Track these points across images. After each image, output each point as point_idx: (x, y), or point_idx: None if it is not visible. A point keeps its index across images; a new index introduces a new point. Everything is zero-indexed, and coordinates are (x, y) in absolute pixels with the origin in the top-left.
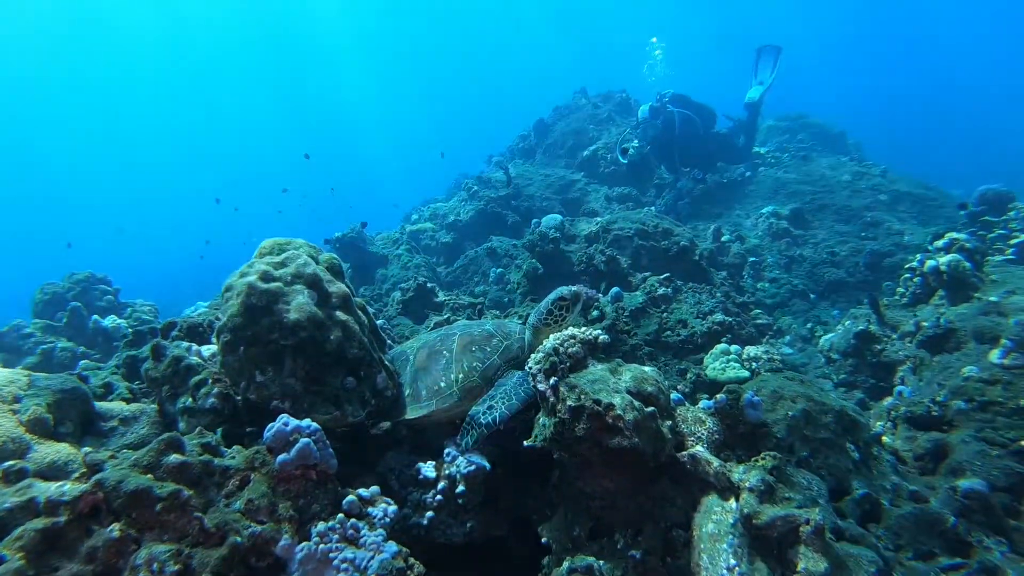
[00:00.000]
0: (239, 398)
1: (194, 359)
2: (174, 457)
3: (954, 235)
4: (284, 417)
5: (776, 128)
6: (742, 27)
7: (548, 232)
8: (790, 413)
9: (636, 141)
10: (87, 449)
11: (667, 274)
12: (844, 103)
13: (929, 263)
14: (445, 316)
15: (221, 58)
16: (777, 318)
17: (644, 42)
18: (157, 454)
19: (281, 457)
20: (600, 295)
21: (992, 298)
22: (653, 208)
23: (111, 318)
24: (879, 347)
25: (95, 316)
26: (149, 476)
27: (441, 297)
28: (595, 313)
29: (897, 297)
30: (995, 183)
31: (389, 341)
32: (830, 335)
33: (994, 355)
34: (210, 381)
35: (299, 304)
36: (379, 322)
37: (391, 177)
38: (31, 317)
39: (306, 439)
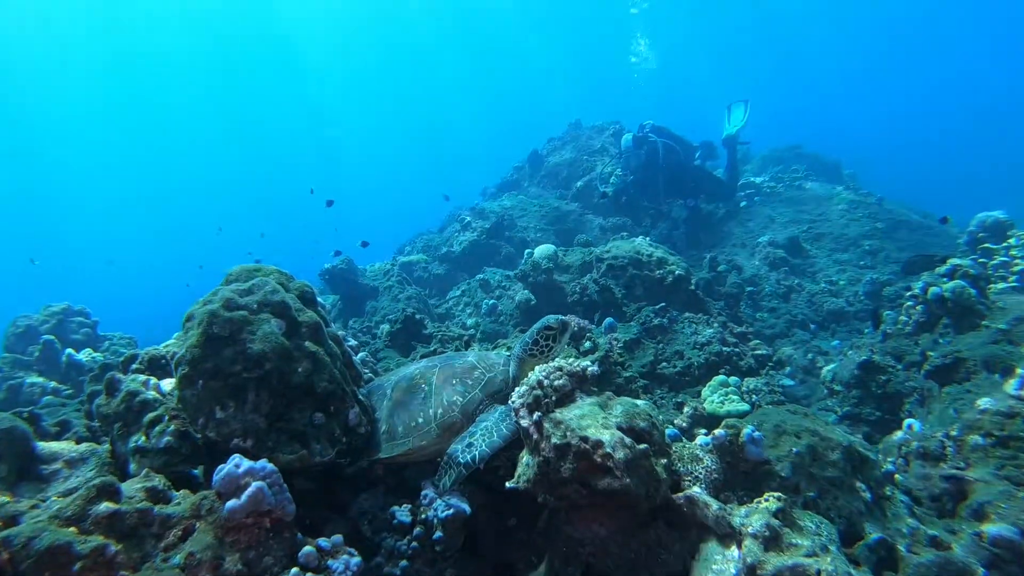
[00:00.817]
0: (199, 436)
1: (151, 394)
2: (105, 506)
3: (956, 261)
4: (236, 458)
5: (771, 158)
6: (738, 64)
7: (541, 262)
8: (794, 449)
9: (619, 170)
10: (3, 499)
11: (662, 304)
12: (838, 134)
13: (932, 290)
14: (432, 348)
15: (201, 90)
16: (777, 349)
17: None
18: (85, 503)
19: (230, 504)
20: (592, 326)
21: (1001, 326)
22: (648, 238)
23: (86, 351)
24: (884, 378)
25: (69, 350)
26: (73, 530)
27: (430, 329)
28: (587, 344)
29: (899, 326)
30: (996, 210)
31: (370, 374)
32: (832, 365)
33: (1010, 386)
34: (166, 418)
35: (265, 334)
36: (361, 355)
37: (384, 211)
38: (1, 351)
39: (259, 483)
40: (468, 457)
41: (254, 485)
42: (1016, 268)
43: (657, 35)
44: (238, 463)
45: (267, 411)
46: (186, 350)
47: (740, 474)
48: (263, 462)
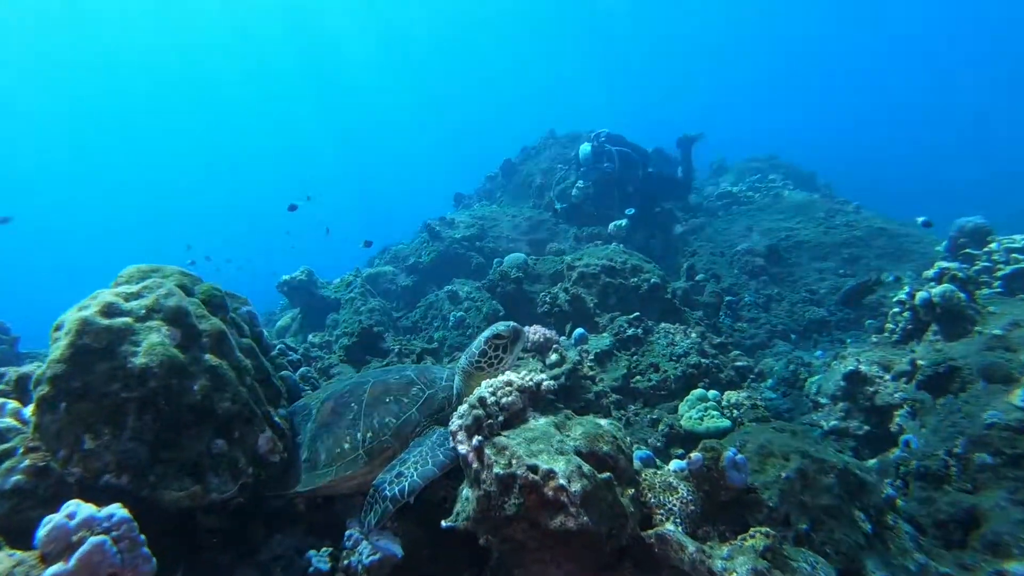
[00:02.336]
0: (73, 473)
1: (7, 421)
2: None
3: (944, 264)
4: (71, 505)
5: (747, 168)
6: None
7: (510, 272)
8: (783, 474)
9: (580, 182)
10: None
11: (637, 313)
12: (812, 146)
13: (920, 295)
14: (385, 363)
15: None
16: (758, 360)
17: (610, 87)
18: None
19: (54, 570)
20: (562, 337)
21: (995, 331)
22: (622, 245)
23: None
24: (871, 389)
25: None
26: None
27: (389, 342)
28: (554, 357)
29: (886, 334)
30: (974, 216)
31: (310, 391)
32: (817, 377)
33: (1016, 397)
34: (20, 451)
35: (151, 345)
36: (302, 370)
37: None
38: None
39: (99, 538)
40: (396, 490)
41: (90, 542)
42: (999, 273)
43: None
44: (72, 512)
45: (151, 438)
46: (48, 365)
47: (720, 505)
48: (112, 509)
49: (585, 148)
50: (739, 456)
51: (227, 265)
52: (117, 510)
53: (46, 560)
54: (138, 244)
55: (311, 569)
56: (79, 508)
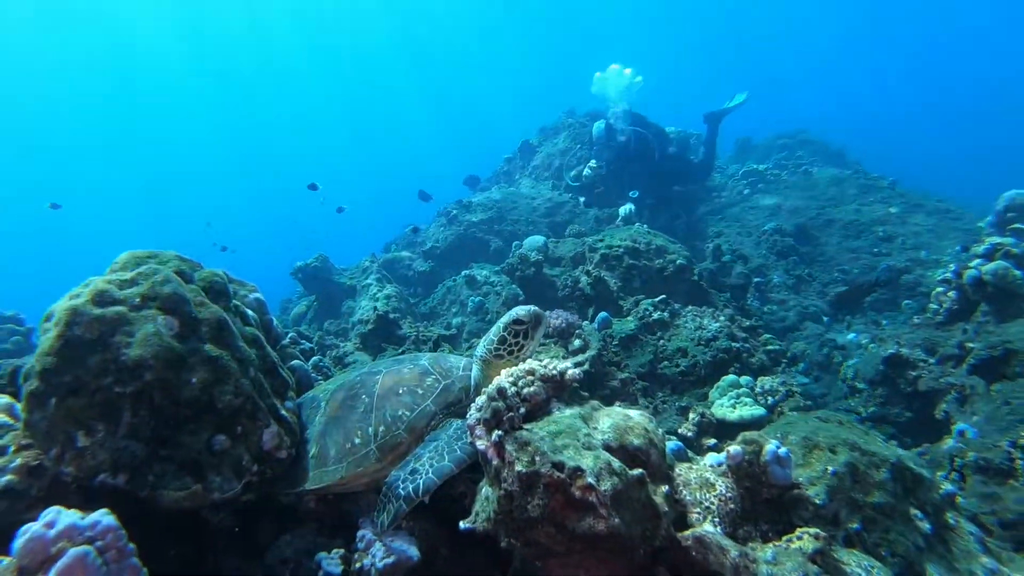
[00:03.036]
0: (66, 472)
1: (0, 417)
2: None
3: (996, 239)
4: (50, 512)
5: (774, 145)
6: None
7: (529, 255)
8: (830, 468)
9: (593, 162)
10: None
11: (663, 296)
12: (841, 121)
13: (969, 273)
14: (401, 350)
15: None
16: (789, 344)
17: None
18: None
19: None
20: (584, 322)
21: None
22: (645, 225)
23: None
24: (914, 374)
25: None
26: None
27: (406, 329)
28: (577, 343)
29: (929, 315)
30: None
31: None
32: (853, 360)
33: None
34: (12, 449)
35: (146, 335)
36: (314, 360)
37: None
38: None
39: (81, 550)
40: (410, 488)
41: (71, 555)
42: None
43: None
44: (51, 520)
45: (148, 435)
46: (37, 358)
47: (762, 502)
48: (97, 516)
49: (599, 126)
50: (783, 449)
51: (239, 251)
52: (103, 517)
53: (22, 574)
54: (162, 236)
55: (321, 573)
56: (59, 516)
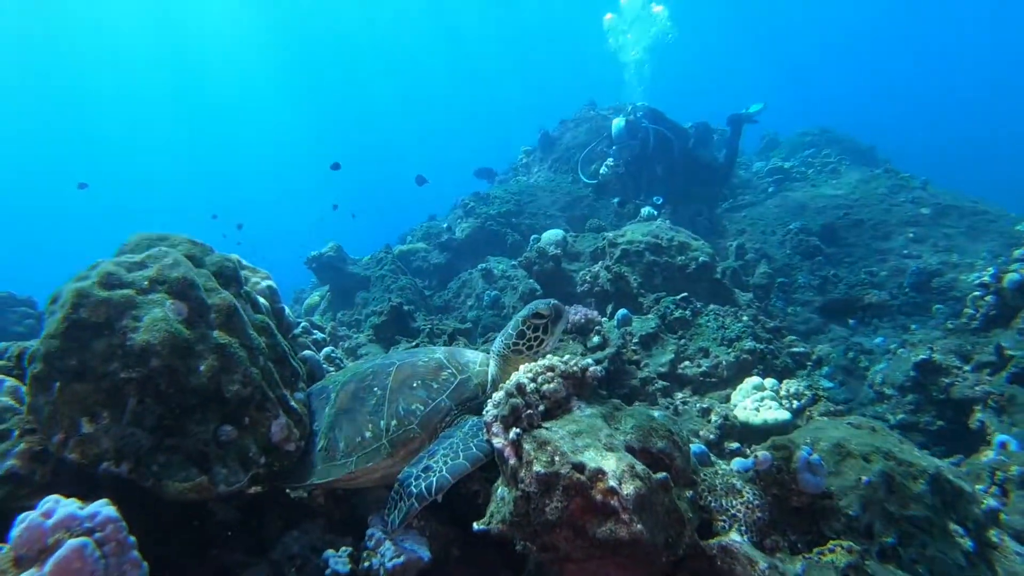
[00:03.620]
0: (69, 459)
1: (5, 400)
2: None
3: None
4: (48, 501)
5: (800, 143)
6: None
7: (548, 248)
8: (863, 478)
9: (610, 160)
10: None
11: (684, 294)
12: (867, 120)
13: (1010, 277)
14: (415, 343)
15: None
16: (813, 346)
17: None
18: None
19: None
20: (603, 318)
21: None
22: (668, 221)
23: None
24: (947, 381)
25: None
26: None
27: (420, 322)
28: (596, 339)
29: (963, 320)
30: None
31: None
32: (882, 365)
33: None
34: (16, 433)
35: (153, 320)
36: (326, 351)
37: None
38: None
39: (79, 541)
40: (423, 486)
41: (68, 546)
42: None
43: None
44: (49, 510)
45: (153, 423)
46: (42, 341)
47: (791, 511)
48: (97, 506)
49: (618, 124)
50: (814, 456)
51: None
52: (102, 507)
53: (18, 564)
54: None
55: (328, 571)
56: (58, 505)
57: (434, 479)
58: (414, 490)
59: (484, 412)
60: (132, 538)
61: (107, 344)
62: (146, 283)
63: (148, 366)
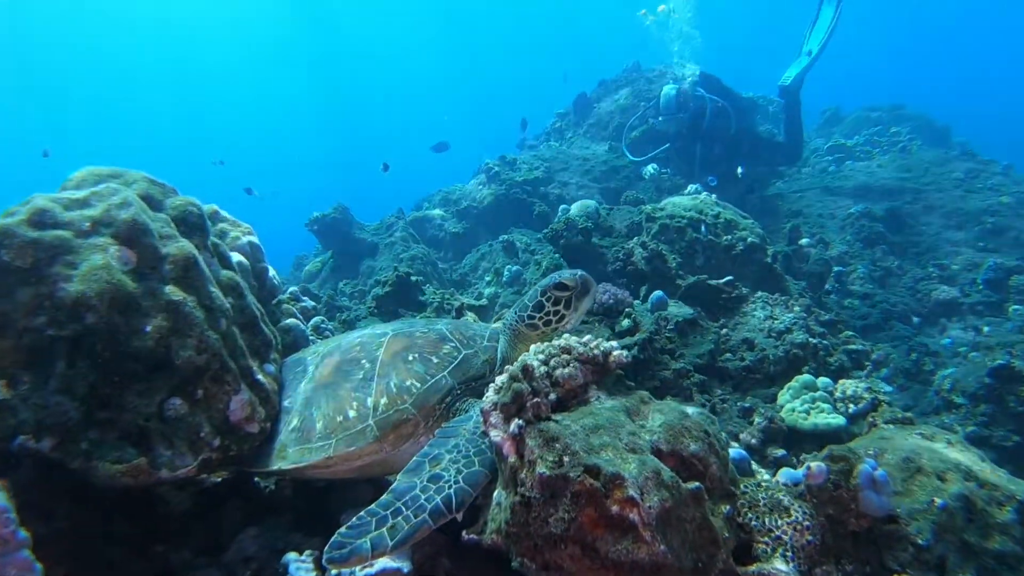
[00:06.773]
0: None
1: None
2: None
3: None
4: None
5: (865, 119)
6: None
7: (577, 220)
8: (938, 501)
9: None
10: None
11: (729, 278)
12: (947, 97)
13: None
14: (418, 317)
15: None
16: (872, 344)
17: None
18: None
19: None
20: (635, 300)
21: None
22: (714, 195)
23: None
24: None
25: None
26: None
27: (428, 295)
28: (626, 323)
29: None
30: None
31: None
32: (950, 370)
33: None
34: None
35: (93, 268)
36: (315, 320)
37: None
38: None
39: None
40: (438, 500)
41: None
42: None
43: None
44: None
45: (85, 392)
46: None
47: (848, 536)
48: None
49: (668, 91)
50: (880, 471)
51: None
52: None
53: None
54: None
55: None
56: None
57: (452, 492)
58: (427, 504)
59: (483, 397)
60: (24, 534)
61: (34, 293)
62: (88, 224)
63: (82, 322)
